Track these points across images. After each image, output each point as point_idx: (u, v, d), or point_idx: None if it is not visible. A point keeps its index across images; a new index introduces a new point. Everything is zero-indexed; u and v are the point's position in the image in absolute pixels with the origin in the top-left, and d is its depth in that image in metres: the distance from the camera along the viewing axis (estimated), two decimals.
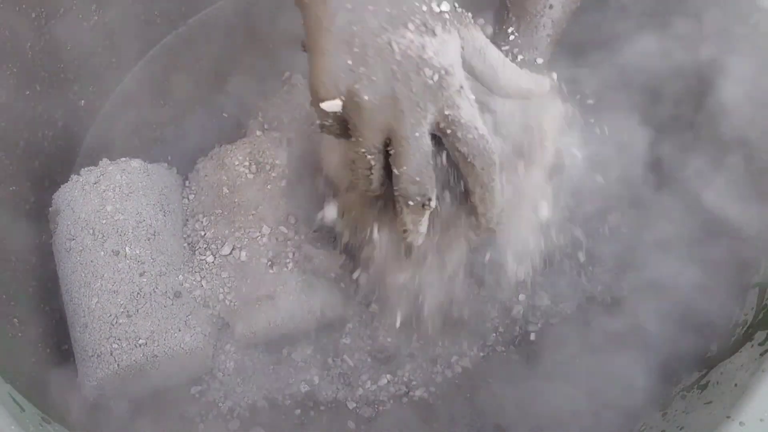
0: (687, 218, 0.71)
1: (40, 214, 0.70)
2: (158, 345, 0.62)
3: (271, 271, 0.65)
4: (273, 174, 0.69)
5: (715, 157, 0.68)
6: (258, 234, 0.67)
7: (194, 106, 0.81)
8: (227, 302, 0.66)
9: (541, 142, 0.58)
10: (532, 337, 0.71)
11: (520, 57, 0.59)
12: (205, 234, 0.69)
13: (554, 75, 0.60)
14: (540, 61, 0.59)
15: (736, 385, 0.56)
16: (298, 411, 0.69)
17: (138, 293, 0.63)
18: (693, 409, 0.59)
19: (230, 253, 0.67)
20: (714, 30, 0.67)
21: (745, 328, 0.61)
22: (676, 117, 0.72)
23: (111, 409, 0.67)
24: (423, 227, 0.51)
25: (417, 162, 0.46)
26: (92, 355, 0.62)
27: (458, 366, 0.70)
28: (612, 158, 0.68)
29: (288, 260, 0.66)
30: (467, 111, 0.46)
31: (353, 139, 0.47)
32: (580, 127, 0.63)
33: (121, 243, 0.64)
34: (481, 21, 0.57)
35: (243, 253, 0.66)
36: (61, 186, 0.68)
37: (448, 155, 0.50)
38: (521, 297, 0.72)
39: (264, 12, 0.84)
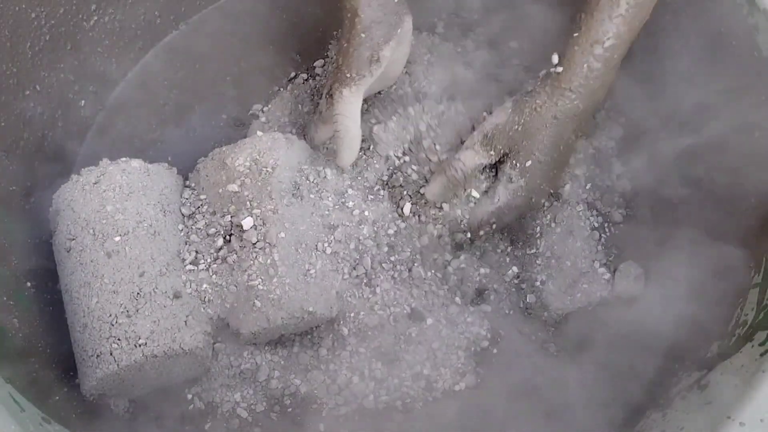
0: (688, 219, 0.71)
1: (40, 214, 0.70)
2: (158, 345, 0.62)
3: (270, 271, 0.65)
4: (273, 174, 0.69)
5: None
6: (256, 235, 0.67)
7: (194, 106, 0.82)
8: (227, 302, 0.66)
9: None
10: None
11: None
12: (205, 234, 0.69)
13: None
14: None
15: (736, 385, 0.56)
16: (298, 411, 0.69)
17: (138, 293, 0.63)
18: (693, 409, 0.59)
19: (230, 253, 0.67)
20: None
21: (745, 329, 0.61)
22: None
23: (111, 409, 0.67)
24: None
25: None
26: (92, 355, 0.62)
27: (457, 368, 0.70)
28: None
29: (288, 261, 0.66)
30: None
31: None
32: None
33: (121, 243, 0.64)
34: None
35: (242, 254, 0.66)
36: (61, 186, 0.68)
37: None
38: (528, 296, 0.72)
39: (264, 12, 0.84)
